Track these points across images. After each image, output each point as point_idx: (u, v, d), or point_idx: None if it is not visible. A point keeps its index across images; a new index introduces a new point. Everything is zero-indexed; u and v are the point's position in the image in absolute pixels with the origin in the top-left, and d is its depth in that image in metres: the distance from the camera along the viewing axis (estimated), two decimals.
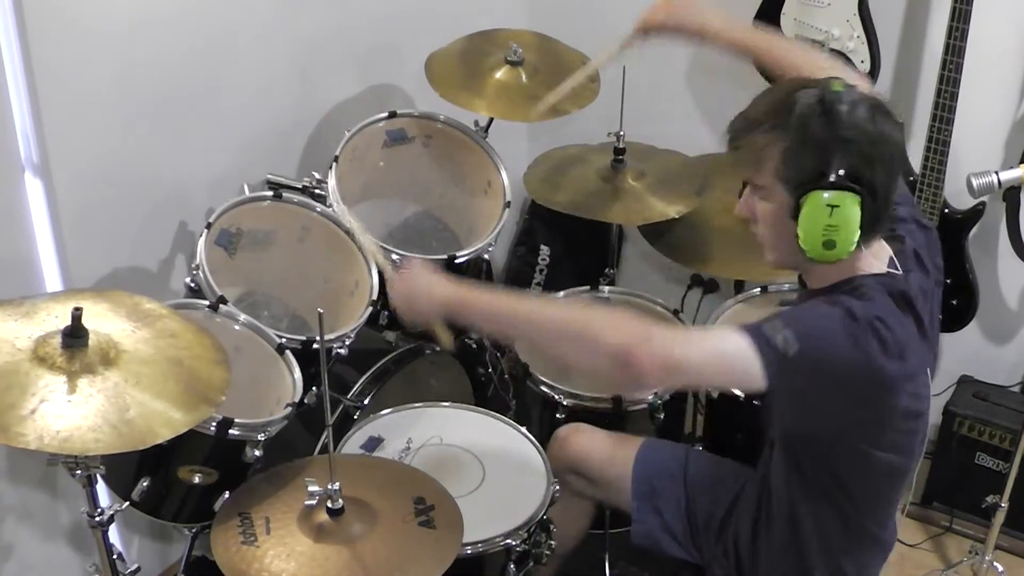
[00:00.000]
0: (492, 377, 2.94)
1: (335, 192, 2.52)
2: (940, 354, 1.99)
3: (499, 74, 2.71)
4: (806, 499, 1.96)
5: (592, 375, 1.70)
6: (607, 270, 3.10)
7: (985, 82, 2.76)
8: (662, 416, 2.58)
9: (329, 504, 1.85)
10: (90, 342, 1.73)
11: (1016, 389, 3.09)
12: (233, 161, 2.65)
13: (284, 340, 2.24)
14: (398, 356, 2.59)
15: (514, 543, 2.14)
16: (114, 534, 2.03)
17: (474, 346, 3.02)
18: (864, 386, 1.77)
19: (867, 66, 2.77)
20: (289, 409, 2.12)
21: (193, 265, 2.30)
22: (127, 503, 2.05)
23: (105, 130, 2.35)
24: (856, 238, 1.75)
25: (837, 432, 1.84)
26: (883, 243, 1.87)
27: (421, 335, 2.72)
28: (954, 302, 2.89)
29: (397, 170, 2.79)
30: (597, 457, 2.31)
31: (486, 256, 2.70)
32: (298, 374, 2.20)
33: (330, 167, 2.55)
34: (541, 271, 3.43)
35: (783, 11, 2.83)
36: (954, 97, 2.65)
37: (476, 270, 2.75)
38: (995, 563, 2.75)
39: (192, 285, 2.29)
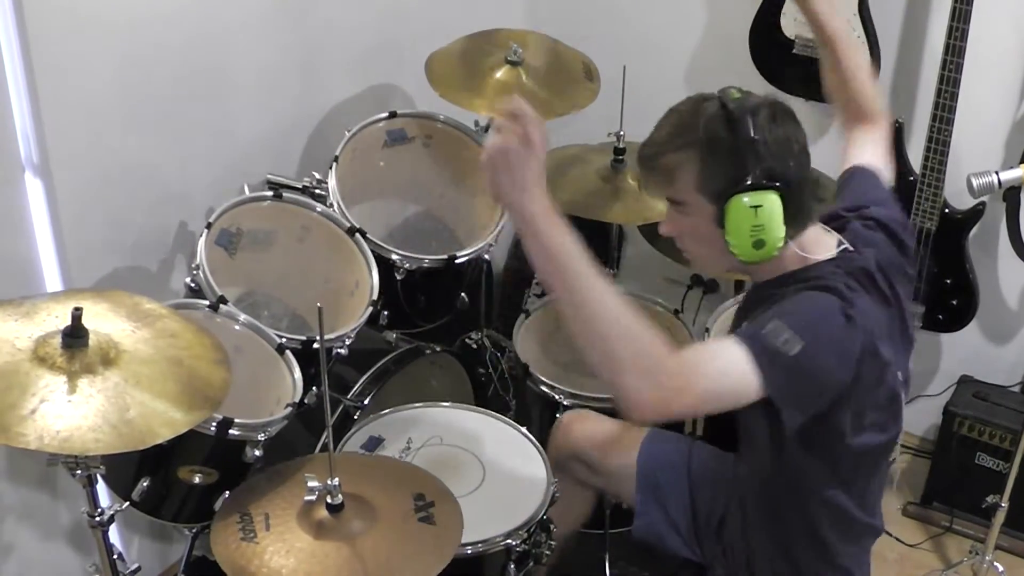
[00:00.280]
0: (492, 377, 2.95)
1: (335, 192, 2.52)
2: (914, 335, 2.00)
3: (499, 74, 2.72)
4: (790, 494, 1.96)
5: (595, 372, 1.65)
6: (607, 270, 3.09)
7: (985, 82, 2.76)
8: None
9: (329, 500, 1.85)
10: (90, 342, 1.73)
11: (1016, 389, 3.09)
12: (233, 161, 2.65)
13: (284, 340, 2.24)
14: (398, 356, 2.59)
15: (514, 543, 2.14)
16: (114, 534, 2.03)
17: (474, 346, 3.02)
18: (862, 364, 1.77)
19: None
20: (289, 409, 2.12)
21: (193, 265, 2.30)
22: (127, 503, 2.05)
23: (105, 130, 2.35)
24: (783, 233, 1.79)
25: (832, 415, 1.83)
26: (825, 231, 1.91)
27: (421, 335, 2.73)
28: (954, 302, 2.89)
29: (397, 170, 2.79)
30: (600, 444, 2.31)
31: (486, 256, 2.70)
32: (298, 374, 2.20)
33: (330, 167, 2.56)
34: None
35: (783, 11, 2.84)
36: (954, 97, 2.65)
37: (476, 270, 2.75)
38: (995, 563, 2.75)
39: (192, 285, 2.29)
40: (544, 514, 2.21)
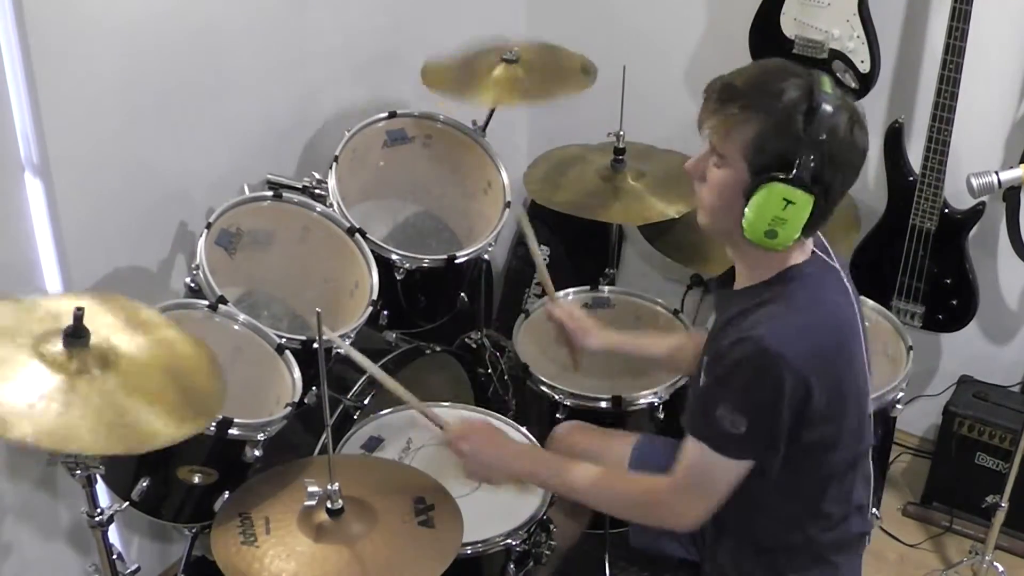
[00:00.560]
0: (492, 377, 2.95)
1: (335, 192, 2.52)
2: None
3: (496, 72, 2.71)
4: (764, 506, 1.98)
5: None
6: (607, 270, 3.10)
7: (985, 82, 2.76)
8: (662, 415, 2.58)
9: (329, 504, 1.85)
10: (91, 343, 1.74)
11: (1016, 389, 3.08)
12: (233, 161, 2.65)
13: (284, 340, 2.24)
14: (398, 356, 2.59)
15: (514, 543, 2.14)
16: (114, 534, 2.03)
17: (474, 346, 3.02)
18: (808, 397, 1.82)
19: (867, 66, 2.77)
20: (289, 409, 2.12)
21: (193, 265, 2.30)
22: (127, 503, 2.05)
23: (105, 130, 2.35)
24: (797, 235, 1.79)
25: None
26: None
27: (421, 335, 2.73)
28: (954, 302, 2.89)
29: (397, 170, 2.79)
30: (593, 455, 2.30)
31: (486, 256, 2.70)
32: (298, 374, 2.20)
33: (330, 167, 2.56)
34: None
35: (783, 11, 2.83)
36: (954, 97, 2.65)
37: (476, 270, 2.75)
38: (995, 563, 2.75)
39: (192, 285, 2.29)
40: (544, 514, 2.21)
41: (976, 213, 2.79)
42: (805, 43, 2.82)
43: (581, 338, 2.42)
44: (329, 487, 1.84)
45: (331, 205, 2.51)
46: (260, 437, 2.08)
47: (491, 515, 2.15)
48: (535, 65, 2.74)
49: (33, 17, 2.13)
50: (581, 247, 3.36)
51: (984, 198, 2.65)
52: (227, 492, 2.07)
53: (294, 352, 2.23)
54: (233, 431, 2.02)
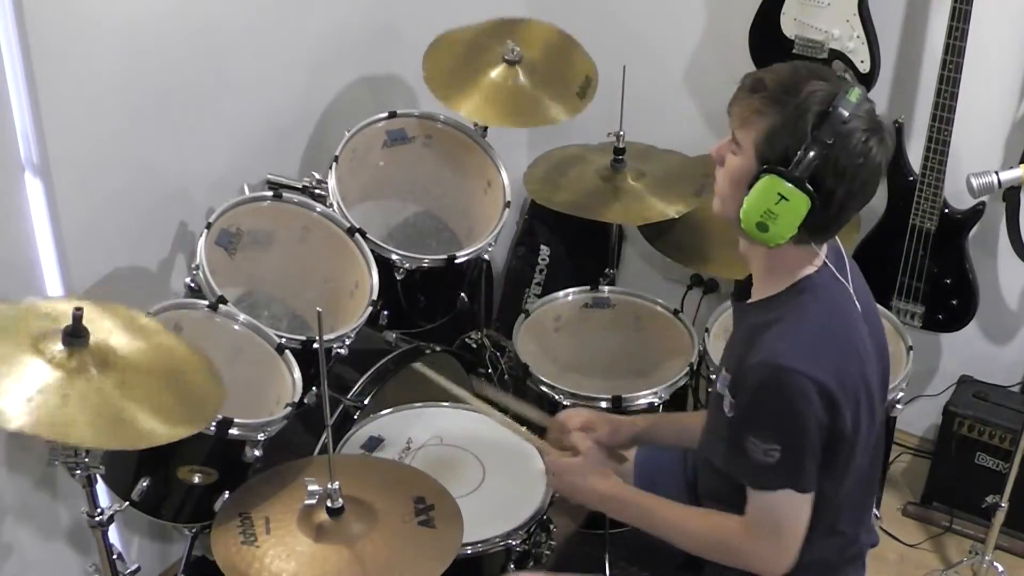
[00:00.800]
0: (492, 377, 2.95)
1: (335, 192, 2.52)
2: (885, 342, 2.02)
3: (494, 73, 2.71)
4: None
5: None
6: (607, 270, 3.10)
7: (985, 82, 2.76)
8: None
9: (329, 503, 1.85)
10: (90, 343, 1.74)
11: (1016, 389, 3.08)
12: (233, 161, 2.65)
13: (284, 340, 2.24)
14: (398, 356, 2.59)
15: (514, 543, 2.14)
16: (114, 534, 2.03)
17: (474, 346, 3.02)
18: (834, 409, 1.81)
19: (867, 66, 2.77)
20: (289, 409, 2.12)
21: (193, 265, 2.30)
22: (127, 503, 2.05)
23: (105, 130, 2.35)
24: (790, 235, 1.78)
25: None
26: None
27: (421, 335, 2.73)
28: (954, 302, 2.89)
29: (397, 170, 2.79)
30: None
31: (486, 256, 2.70)
32: (298, 374, 2.20)
33: (330, 167, 2.56)
34: (541, 271, 3.43)
35: (783, 11, 2.83)
36: (954, 97, 2.65)
37: (476, 270, 2.75)
38: (995, 563, 2.74)
39: (192, 285, 2.29)
40: (544, 514, 2.21)
41: (976, 213, 2.79)
42: (805, 43, 2.82)
43: (612, 441, 2.27)
44: (329, 486, 1.84)
45: (331, 205, 2.51)
46: (260, 437, 2.08)
47: (491, 515, 2.15)
48: (537, 68, 2.74)
49: (33, 17, 2.13)
50: (581, 247, 3.36)
51: (984, 198, 2.65)
52: (227, 492, 2.07)
53: (294, 352, 2.23)
54: (233, 431, 2.02)
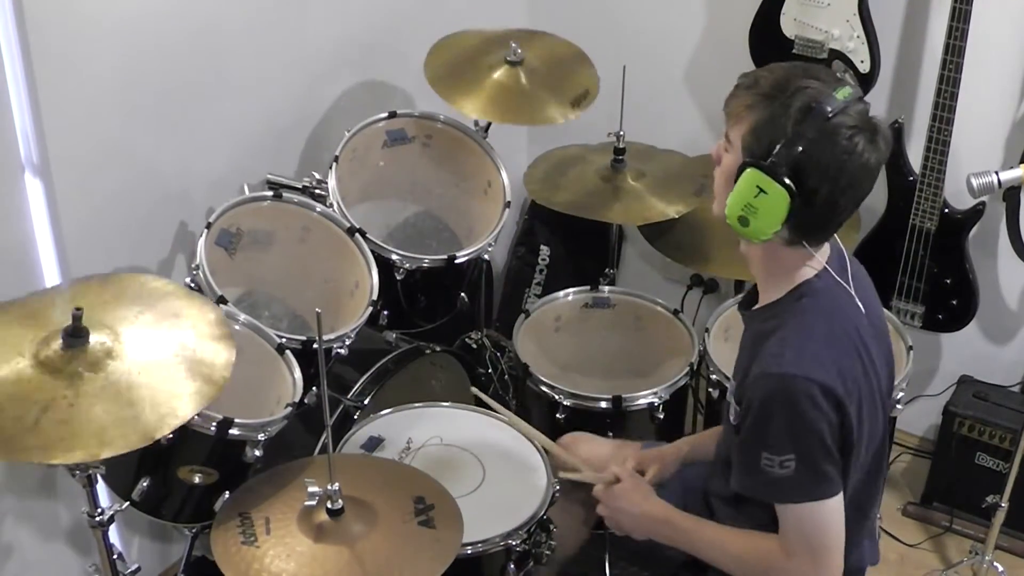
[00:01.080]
0: (492, 377, 2.95)
1: (335, 192, 2.52)
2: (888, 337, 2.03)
3: (497, 74, 2.71)
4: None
5: None
6: (607, 270, 3.10)
7: (985, 82, 2.76)
8: (662, 416, 2.59)
9: (329, 504, 1.85)
10: (91, 338, 1.74)
11: (1016, 389, 3.08)
12: (233, 161, 2.65)
13: (284, 340, 2.24)
14: (398, 356, 2.59)
15: (514, 543, 2.14)
16: (114, 534, 2.03)
17: (474, 346, 3.02)
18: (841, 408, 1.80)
19: (867, 66, 2.77)
20: (289, 409, 2.12)
21: (193, 265, 2.30)
22: (127, 503, 2.05)
23: (105, 130, 2.35)
24: (772, 230, 1.77)
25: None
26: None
27: (421, 335, 2.73)
28: (954, 302, 2.89)
29: (397, 170, 2.79)
30: (598, 464, 2.29)
31: (486, 256, 2.70)
32: (298, 374, 2.19)
33: (330, 167, 2.56)
34: (541, 271, 3.43)
35: (783, 11, 2.83)
36: (954, 97, 2.65)
37: (476, 270, 2.75)
38: (995, 563, 2.75)
39: (192, 285, 2.29)
40: (544, 514, 2.21)
41: (976, 213, 2.79)
42: (805, 43, 2.82)
43: (664, 476, 2.26)
44: (329, 487, 1.84)
45: (331, 205, 2.51)
46: (260, 437, 2.08)
47: (491, 515, 2.15)
48: (539, 70, 2.74)
49: (33, 17, 2.13)
50: (581, 247, 3.36)
51: (984, 198, 2.65)
52: (227, 492, 2.07)
53: (294, 352, 2.23)
54: (233, 431, 2.02)
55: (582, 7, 3.26)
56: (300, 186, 2.59)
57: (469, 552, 2.08)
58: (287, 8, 2.68)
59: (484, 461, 2.30)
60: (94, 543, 1.98)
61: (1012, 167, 2.32)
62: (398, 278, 2.52)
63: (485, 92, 2.69)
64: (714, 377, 2.59)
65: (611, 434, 2.52)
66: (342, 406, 2.47)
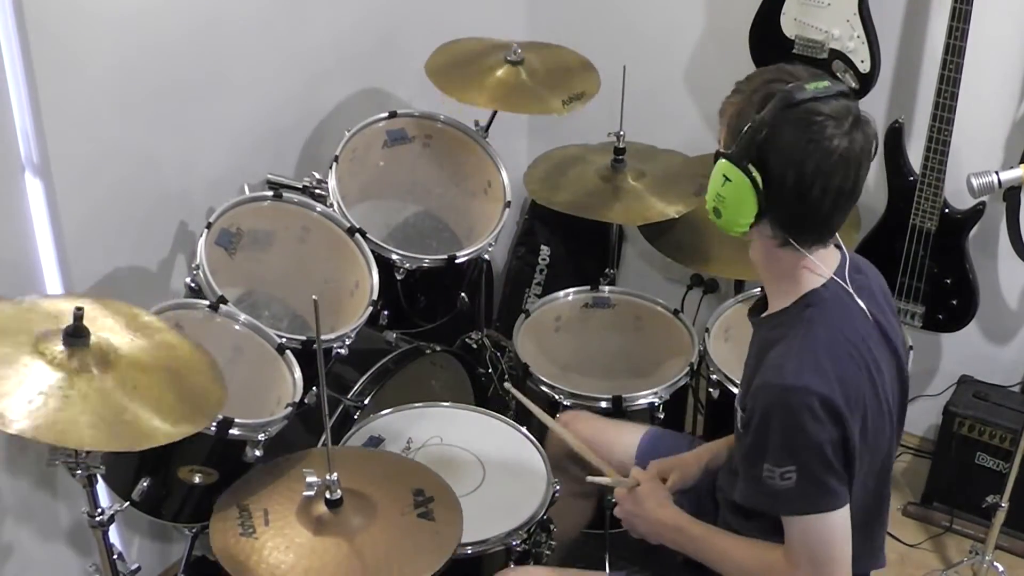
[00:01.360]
0: (492, 377, 2.95)
1: (335, 192, 2.52)
2: (906, 348, 2.02)
3: (499, 73, 2.71)
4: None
5: None
6: (607, 270, 3.10)
7: (985, 82, 2.76)
8: (662, 416, 2.59)
9: (328, 495, 1.85)
10: (91, 343, 1.74)
11: (1016, 389, 3.08)
12: (233, 161, 2.65)
13: (284, 340, 2.24)
14: (398, 356, 2.59)
15: (514, 543, 2.14)
16: (114, 534, 2.03)
17: (474, 346, 3.02)
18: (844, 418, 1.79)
19: (867, 66, 2.77)
20: (289, 409, 2.12)
21: (193, 265, 2.30)
22: (127, 503, 2.05)
23: (105, 130, 2.35)
24: (745, 222, 1.77)
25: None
26: (831, 248, 1.88)
27: (421, 335, 2.73)
28: (954, 302, 2.89)
29: (397, 170, 2.79)
30: (599, 444, 2.30)
31: (486, 256, 2.70)
32: (298, 374, 2.20)
33: (330, 167, 2.56)
34: (541, 271, 3.43)
35: (783, 11, 2.83)
36: (954, 97, 2.65)
37: (476, 270, 2.75)
38: (995, 563, 2.74)
39: (192, 285, 2.29)
40: (544, 514, 2.21)
41: (976, 213, 2.79)
42: (805, 43, 2.82)
43: (685, 484, 2.24)
44: (328, 477, 1.84)
45: (331, 205, 2.51)
46: (261, 437, 2.08)
47: (491, 515, 2.15)
48: (539, 71, 2.74)
49: (33, 17, 2.13)
50: (581, 247, 3.36)
51: (984, 198, 2.65)
52: None
53: (295, 352, 2.23)
54: (234, 431, 2.02)
55: (582, 7, 3.26)
56: (300, 186, 2.59)
57: (469, 552, 2.08)
58: (288, 8, 2.68)
59: (484, 461, 2.30)
60: (94, 543, 1.98)
61: (1012, 167, 2.32)
62: (398, 278, 2.52)
63: (486, 87, 2.69)
64: (714, 377, 2.59)
65: None
66: (342, 406, 2.47)
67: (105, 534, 1.97)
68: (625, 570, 2.31)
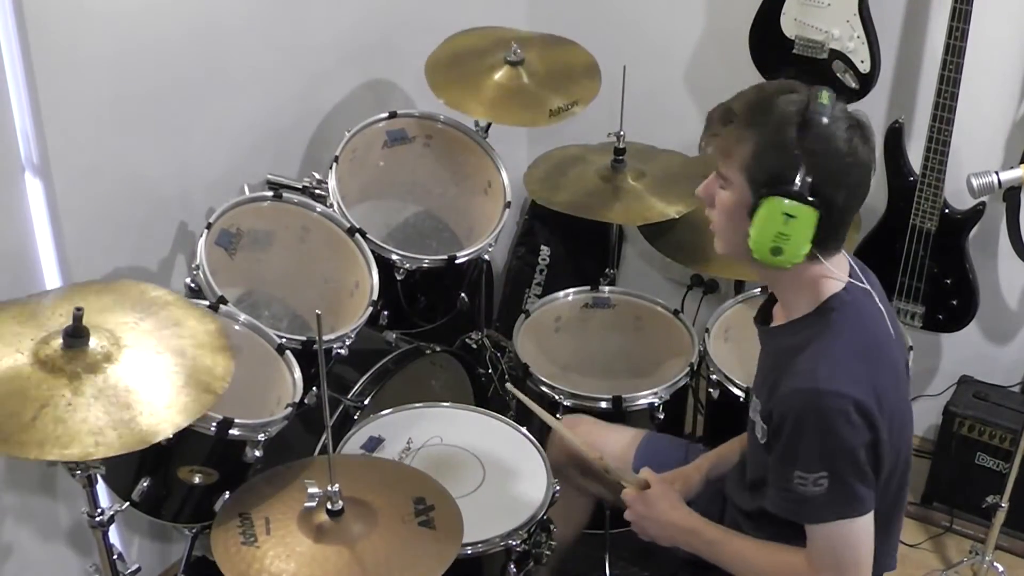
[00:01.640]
0: (492, 377, 2.95)
1: (335, 192, 2.52)
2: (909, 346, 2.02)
3: (498, 75, 2.71)
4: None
5: None
6: (607, 270, 3.10)
7: (985, 82, 2.76)
8: (662, 416, 2.59)
9: (329, 505, 1.85)
10: (91, 340, 1.74)
11: (1016, 389, 3.08)
12: (233, 161, 2.65)
13: (284, 340, 2.24)
14: (398, 356, 2.59)
15: (514, 543, 2.14)
16: (114, 534, 2.03)
17: (474, 346, 3.02)
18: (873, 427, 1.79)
19: (867, 66, 2.77)
20: (289, 409, 2.12)
21: (193, 265, 2.30)
22: (127, 503, 2.05)
23: (105, 130, 2.35)
24: (804, 251, 1.76)
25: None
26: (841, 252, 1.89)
27: (421, 335, 2.73)
28: (954, 302, 2.89)
29: (397, 170, 2.79)
30: (598, 449, 2.30)
31: (486, 256, 2.70)
32: (298, 374, 2.19)
33: (330, 167, 2.56)
34: (541, 271, 3.43)
35: (783, 11, 2.83)
36: (954, 97, 2.65)
37: (476, 270, 2.75)
38: (995, 563, 2.75)
39: (192, 285, 2.29)
40: (544, 514, 2.20)
41: (976, 213, 2.79)
42: (805, 43, 2.82)
43: (688, 495, 2.23)
44: (329, 488, 1.84)
45: (331, 205, 2.51)
46: (260, 437, 2.08)
47: (491, 515, 2.15)
48: (539, 71, 2.74)
49: (33, 17, 2.13)
50: (581, 247, 3.36)
51: (984, 198, 2.65)
52: (227, 492, 2.07)
53: (294, 352, 2.23)
54: (233, 431, 2.02)
55: (582, 7, 3.26)
56: (300, 186, 2.59)
57: (469, 552, 2.08)
58: (288, 8, 2.68)
59: (484, 461, 2.30)
60: (94, 543, 1.98)
61: (1012, 167, 2.32)
62: (398, 278, 2.52)
63: (487, 94, 2.68)
64: (714, 377, 2.59)
65: None
66: (342, 406, 2.47)
67: (105, 534, 1.97)
68: (625, 570, 2.31)
